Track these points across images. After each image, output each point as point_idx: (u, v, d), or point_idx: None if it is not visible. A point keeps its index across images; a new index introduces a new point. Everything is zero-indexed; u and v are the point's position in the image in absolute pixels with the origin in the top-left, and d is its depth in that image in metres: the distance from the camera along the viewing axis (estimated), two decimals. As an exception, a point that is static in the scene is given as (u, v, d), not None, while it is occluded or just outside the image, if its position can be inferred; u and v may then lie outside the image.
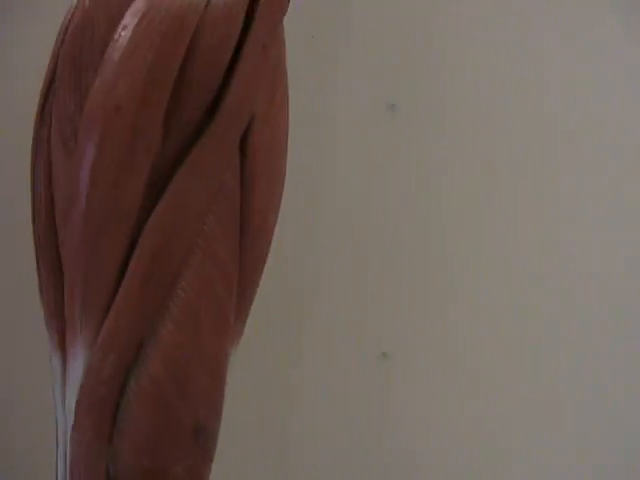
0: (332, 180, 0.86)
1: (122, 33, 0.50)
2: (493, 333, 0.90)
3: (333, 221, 0.86)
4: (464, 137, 0.89)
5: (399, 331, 0.88)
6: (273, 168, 0.56)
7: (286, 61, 0.58)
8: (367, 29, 0.87)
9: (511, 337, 0.92)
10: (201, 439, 0.52)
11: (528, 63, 0.90)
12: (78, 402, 0.53)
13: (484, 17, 0.89)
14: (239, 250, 0.53)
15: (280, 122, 0.56)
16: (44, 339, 0.57)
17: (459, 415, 0.89)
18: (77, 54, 0.53)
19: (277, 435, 0.86)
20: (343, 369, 0.86)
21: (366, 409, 0.88)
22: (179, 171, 0.51)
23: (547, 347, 0.92)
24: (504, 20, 0.90)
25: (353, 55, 0.86)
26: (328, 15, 0.85)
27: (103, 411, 0.51)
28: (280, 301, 0.82)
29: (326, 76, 0.85)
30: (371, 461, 0.88)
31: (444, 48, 0.89)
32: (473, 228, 0.89)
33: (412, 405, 0.89)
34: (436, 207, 0.89)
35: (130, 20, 0.50)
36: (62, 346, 0.55)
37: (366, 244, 0.87)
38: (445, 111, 0.89)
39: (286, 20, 0.56)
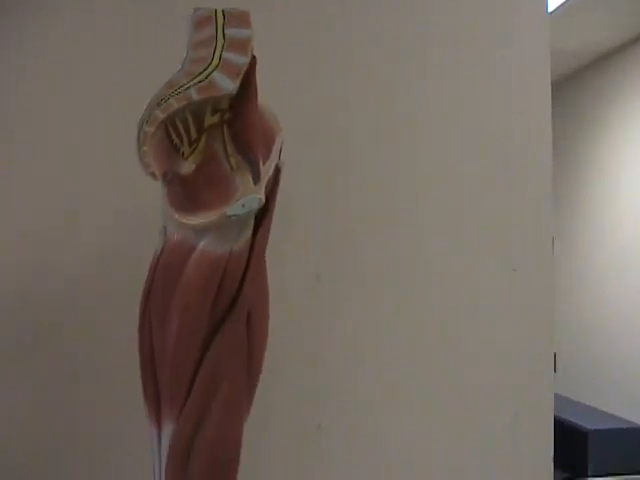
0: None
1: (188, 268, 1.03)
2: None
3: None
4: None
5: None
6: (262, 327, 1.10)
7: (266, 270, 1.11)
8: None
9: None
10: (232, 467, 1.05)
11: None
12: (169, 453, 1.05)
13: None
14: (247, 374, 1.07)
15: (265, 303, 1.10)
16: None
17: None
18: (164, 273, 1.06)
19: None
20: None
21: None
22: (220, 334, 1.04)
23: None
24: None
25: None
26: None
27: (183, 457, 1.04)
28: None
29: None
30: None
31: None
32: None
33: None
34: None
35: (191, 262, 1.03)
36: (158, 422, 1.07)
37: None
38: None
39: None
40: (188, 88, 1.04)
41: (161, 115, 1.05)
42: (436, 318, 1.52)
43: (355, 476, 1.48)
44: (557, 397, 5.43)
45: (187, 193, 1.07)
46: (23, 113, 1.45)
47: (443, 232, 1.53)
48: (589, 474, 4.33)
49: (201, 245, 1.04)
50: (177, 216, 1.06)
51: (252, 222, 1.06)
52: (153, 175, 1.09)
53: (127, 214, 1.41)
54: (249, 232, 1.06)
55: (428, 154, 1.53)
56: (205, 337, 1.05)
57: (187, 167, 1.09)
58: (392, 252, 1.51)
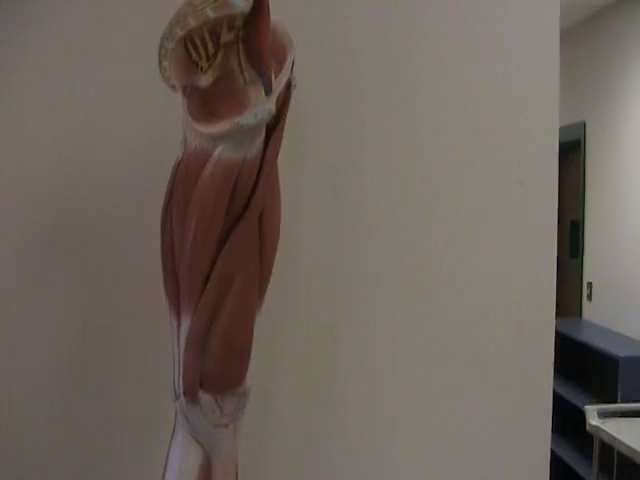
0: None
1: (205, 173, 1.13)
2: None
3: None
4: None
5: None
6: (274, 229, 1.20)
7: (278, 176, 1.21)
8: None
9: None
10: (246, 353, 1.16)
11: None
12: (187, 340, 1.16)
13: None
14: (260, 265, 1.17)
15: (276, 206, 1.20)
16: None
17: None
18: (184, 177, 1.16)
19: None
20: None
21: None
22: (233, 234, 1.14)
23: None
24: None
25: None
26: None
27: (199, 343, 1.15)
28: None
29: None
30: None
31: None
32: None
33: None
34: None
35: (208, 168, 1.13)
36: (177, 315, 1.18)
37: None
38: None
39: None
40: (205, 7, 1.13)
41: (180, 32, 1.15)
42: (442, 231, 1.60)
43: (367, 371, 1.59)
44: (591, 325, 5.54)
45: (204, 105, 1.16)
46: (51, 39, 1.53)
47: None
48: (619, 400, 4.43)
49: (217, 152, 1.14)
50: (195, 126, 1.16)
51: (264, 131, 1.16)
52: (173, 88, 1.19)
53: (151, 128, 1.51)
54: (261, 141, 1.16)
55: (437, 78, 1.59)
56: (220, 236, 1.15)
57: (205, 81, 1.18)
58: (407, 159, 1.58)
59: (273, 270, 1.24)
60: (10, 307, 1.53)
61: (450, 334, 1.60)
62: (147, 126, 1.51)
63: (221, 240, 1.15)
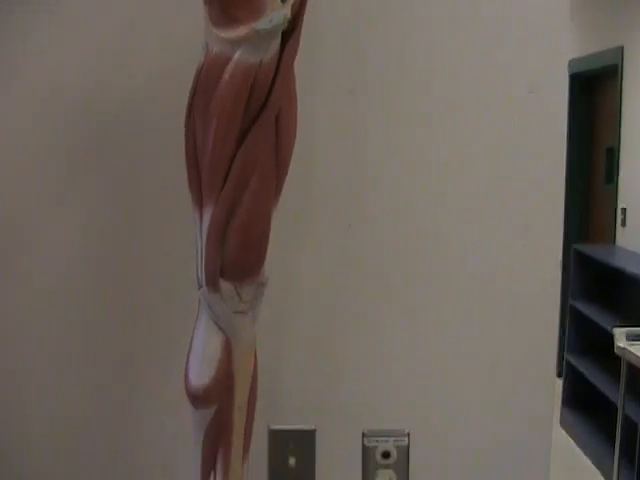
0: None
1: (225, 76, 1.21)
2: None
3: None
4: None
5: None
6: (290, 130, 1.28)
7: (295, 80, 1.28)
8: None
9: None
10: (263, 245, 1.26)
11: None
12: (208, 232, 1.25)
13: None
14: (275, 164, 1.26)
15: (292, 109, 1.28)
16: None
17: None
18: (205, 81, 1.24)
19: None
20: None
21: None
22: (250, 134, 1.23)
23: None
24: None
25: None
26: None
27: (219, 235, 1.24)
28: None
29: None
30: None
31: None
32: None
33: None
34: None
35: (227, 71, 1.21)
36: (200, 209, 1.27)
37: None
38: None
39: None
40: None
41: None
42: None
43: (382, 259, 1.68)
44: (624, 251, 5.55)
45: (224, 10, 1.23)
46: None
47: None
48: (649, 323, 4.48)
49: (235, 56, 1.22)
50: (215, 31, 1.23)
51: (279, 36, 1.23)
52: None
53: (175, 36, 1.59)
54: (277, 45, 1.24)
55: None
56: (239, 135, 1.23)
57: (225, -12, 1.25)
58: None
59: (291, 169, 1.33)
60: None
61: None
62: (171, 35, 1.59)
63: (240, 138, 1.23)
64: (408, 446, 1.71)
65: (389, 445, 1.71)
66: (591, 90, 6.10)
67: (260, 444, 1.68)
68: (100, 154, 1.65)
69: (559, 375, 5.79)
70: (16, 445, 1.70)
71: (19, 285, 1.67)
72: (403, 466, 1.72)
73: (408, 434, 1.70)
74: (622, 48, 5.23)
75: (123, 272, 1.67)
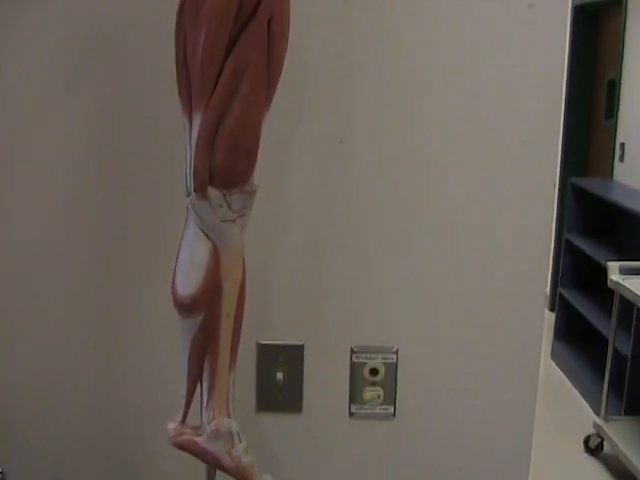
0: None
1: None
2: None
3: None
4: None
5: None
6: (282, 34, 1.25)
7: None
8: None
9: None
10: (252, 153, 1.24)
11: None
12: (197, 139, 1.23)
13: None
14: (267, 71, 1.23)
15: (285, 13, 1.25)
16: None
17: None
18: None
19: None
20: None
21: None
22: (242, 35, 1.20)
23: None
24: None
25: None
26: None
27: (208, 142, 1.22)
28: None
29: None
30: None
31: None
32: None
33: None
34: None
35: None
36: (189, 116, 1.25)
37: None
38: None
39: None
40: None
41: None
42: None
43: (375, 174, 1.66)
44: (621, 185, 5.55)
45: None
46: None
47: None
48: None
49: (227, -43, 1.19)
50: None
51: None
52: None
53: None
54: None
55: None
56: (230, 38, 1.20)
57: None
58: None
59: (281, 79, 1.30)
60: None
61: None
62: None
63: (230, 43, 1.20)
64: (396, 363, 1.72)
65: (377, 362, 1.72)
66: (595, 22, 6.03)
67: (248, 359, 1.70)
68: (87, 73, 1.63)
69: (552, 309, 5.83)
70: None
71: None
72: (391, 383, 1.74)
73: (397, 351, 1.71)
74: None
75: (112, 182, 1.66)
